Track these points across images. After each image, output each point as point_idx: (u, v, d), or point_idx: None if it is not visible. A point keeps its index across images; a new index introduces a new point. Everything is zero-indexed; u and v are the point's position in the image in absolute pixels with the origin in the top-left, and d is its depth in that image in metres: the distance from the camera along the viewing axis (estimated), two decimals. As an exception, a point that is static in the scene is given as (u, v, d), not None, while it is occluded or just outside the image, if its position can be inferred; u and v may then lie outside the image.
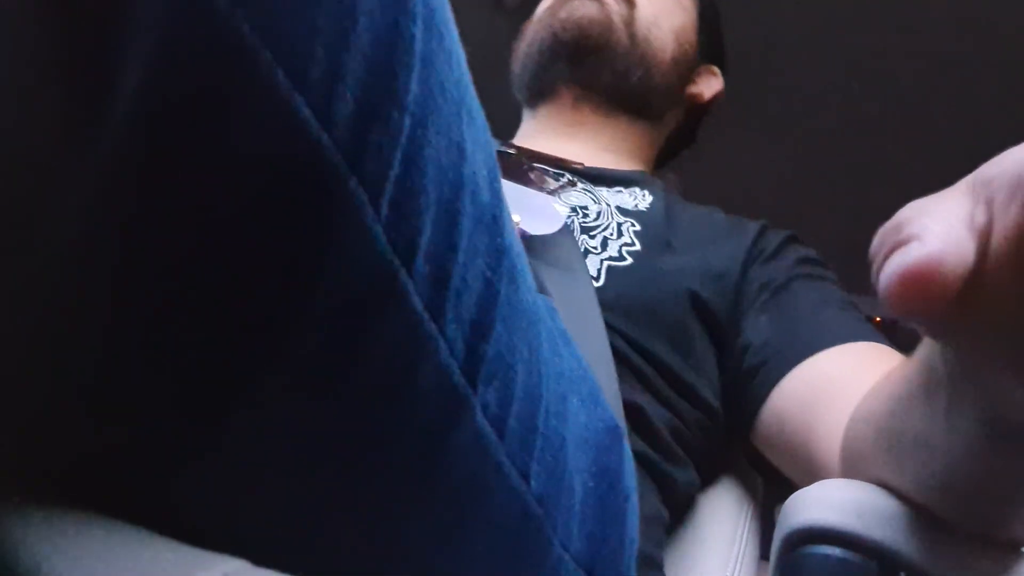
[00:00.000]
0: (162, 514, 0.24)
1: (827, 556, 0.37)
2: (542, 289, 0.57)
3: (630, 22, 0.81)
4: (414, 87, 0.23)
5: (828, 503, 0.38)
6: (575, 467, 0.36)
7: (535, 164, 0.73)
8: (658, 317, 0.63)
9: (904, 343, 0.63)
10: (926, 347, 0.33)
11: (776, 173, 1.25)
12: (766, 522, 0.71)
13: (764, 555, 0.59)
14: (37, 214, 0.20)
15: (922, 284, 0.22)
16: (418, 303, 0.25)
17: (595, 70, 0.80)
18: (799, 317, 0.64)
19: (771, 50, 0.95)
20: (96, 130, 0.19)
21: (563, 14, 0.81)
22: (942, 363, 0.31)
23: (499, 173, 0.30)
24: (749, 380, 0.64)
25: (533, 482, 0.32)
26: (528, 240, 0.61)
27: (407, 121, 0.23)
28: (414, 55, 0.23)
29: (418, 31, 0.23)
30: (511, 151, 0.76)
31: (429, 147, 0.24)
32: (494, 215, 0.28)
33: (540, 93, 0.84)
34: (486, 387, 0.28)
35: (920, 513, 0.38)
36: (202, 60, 0.19)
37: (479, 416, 0.28)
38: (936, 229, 0.23)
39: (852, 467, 0.46)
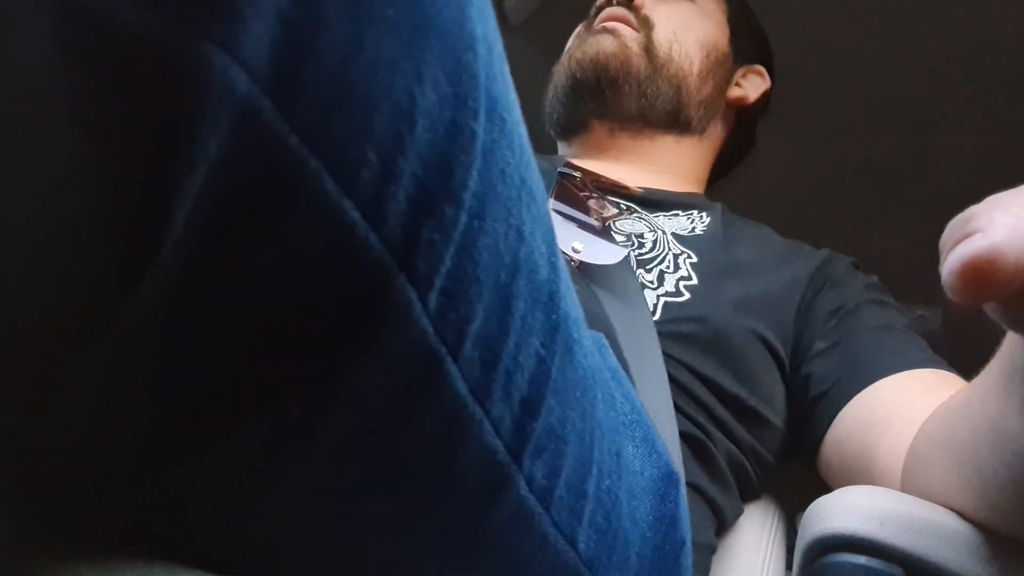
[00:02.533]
0: (195, 550, 0.25)
1: (851, 564, 0.37)
2: (601, 318, 0.57)
3: (648, 46, 0.80)
4: (472, 182, 0.23)
5: (850, 510, 0.38)
6: (630, 519, 0.36)
7: (596, 189, 0.73)
8: (718, 348, 0.63)
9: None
10: (1008, 339, 0.33)
11: (787, 176, 1.24)
12: (791, 531, 0.70)
13: (791, 565, 0.58)
14: (86, 329, 0.20)
15: (981, 275, 0.23)
16: (463, 388, 0.25)
17: (620, 102, 0.80)
18: (863, 344, 0.63)
19: (781, 52, 0.94)
20: (151, 252, 0.19)
21: (579, 54, 0.81)
22: (1021, 353, 0.31)
23: (558, 247, 0.30)
24: (814, 409, 0.63)
25: (581, 546, 0.32)
26: (589, 268, 0.62)
27: (463, 217, 0.23)
28: (474, 151, 0.23)
29: (480, 127, 0.23)
30: (576, 173, 0.75)
31: (485, 236, 0.24)
32: (551, 292, 0.28)
33: (572, 128, 0.84)
34: (533, 461, 0.28)
35: (945, 518, 0.38)
36: (252, 172, 0.19)
37: (523, 490, 0.28)
38: (1004, 221, 0.23)
39: (911, 480, 0.46)
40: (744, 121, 0.89)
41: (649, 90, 0.79)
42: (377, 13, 0.20)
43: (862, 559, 0.37)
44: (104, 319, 0.19)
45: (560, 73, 0.84)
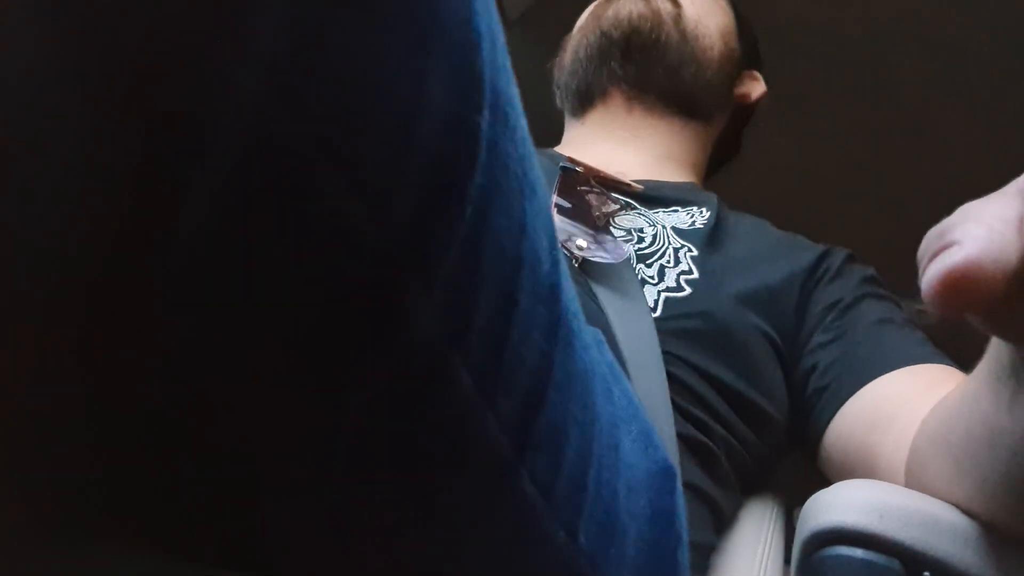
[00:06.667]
0: (201, 551, 0.25)
1: (849, 557, 0.37)
2: (599, 317, 0.57)
3: (678, 18, 0.81)
4: (477, 177, 0.23)
5: (848, 503, 0.38)
6: (628, 514, 0.36)
7: (597, 185, 0.72)
8: (720, 344, 0.62)
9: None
10: (994, 340, 0.34)
11: (786, 169, 1.24)
12: (789, 525, 0.70)
13: (789, 559, 0.58)
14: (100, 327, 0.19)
15: (960, 288, 0.24)
16: (468, 383, 0.24)
17: (648, 67, 0.80)
18: (863, 338, 0.63)
19: (780, 47, 0.94)
20: (160, 253, 0.19)
21: (610, 13, 0.81)
22: (1006, 353, 0.32)
23: (558, 240, 0.30)
24: (814, 403, 0.63)
25: (582, 538, 0.32)
26: (590, 266, 0.61)
27: (468, 211, 0.23)
28: (479, 145, 0.23)
29: (484, 121, 0.23)
30: (578, 168, 0.74)
31: (489, 231, 0.24)
32: (551, 284, 0.28)
33: (590, 97, 0.83)
34: (535, 455, 0.28)
35: (944, 511, 0.38)
36: (258, 173, 0.19)
37: (526, 483, 0.28)
38: (978, 233, 0.24)
39: (914, 476, 0.46)
40: (738, 120, 0.90)
41: (674, 62, 0.80)
42: (382, 11, 0.20)
43: (860, 552, 0.37)
44: (109, 320, 0.19)
45: (584, 35, 0.83)
